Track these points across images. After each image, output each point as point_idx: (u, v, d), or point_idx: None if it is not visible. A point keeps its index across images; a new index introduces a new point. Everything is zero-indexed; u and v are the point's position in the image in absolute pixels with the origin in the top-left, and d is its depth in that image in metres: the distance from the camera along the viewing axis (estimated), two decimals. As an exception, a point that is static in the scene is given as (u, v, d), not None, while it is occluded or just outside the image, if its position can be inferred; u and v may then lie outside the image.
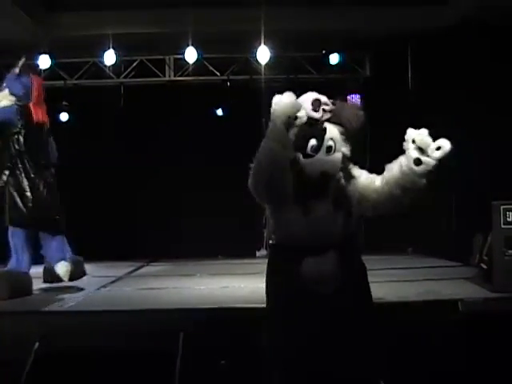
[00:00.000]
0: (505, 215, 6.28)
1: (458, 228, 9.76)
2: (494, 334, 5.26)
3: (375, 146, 11.27)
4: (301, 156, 3.69)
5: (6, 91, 7.20)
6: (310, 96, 3.77)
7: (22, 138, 7.11)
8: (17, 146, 7.11)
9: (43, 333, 5.39)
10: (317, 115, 3.67)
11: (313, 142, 3.65)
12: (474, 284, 6.96)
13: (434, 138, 3.81)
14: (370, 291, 3.91)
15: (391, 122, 10.72)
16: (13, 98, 7.18)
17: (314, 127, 3.68)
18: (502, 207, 6.31)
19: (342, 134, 3.73)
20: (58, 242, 7.33)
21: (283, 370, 3.74)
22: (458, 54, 9.48)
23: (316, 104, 3.68)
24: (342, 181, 3.76)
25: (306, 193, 3.68)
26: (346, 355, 3.63)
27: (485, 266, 7.14)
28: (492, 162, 8.94)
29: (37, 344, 5.25)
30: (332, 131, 3.71)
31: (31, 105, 7.23)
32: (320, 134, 3.67)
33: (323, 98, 3.77)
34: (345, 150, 3.75)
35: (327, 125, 3.71)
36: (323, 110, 3.72)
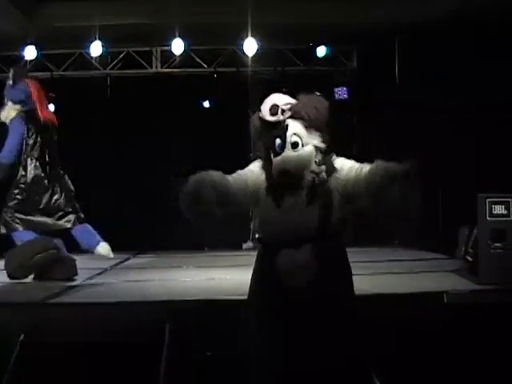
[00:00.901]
0: (490, 208, 6.31)
1: (444, 221, 9.80)
2: (479, 325, 5.28)
3: (362, 138, 11.32)
4: (272, 154, 3.77)
5: (10, 103, 7.38)
6: (271, 99, 3.83)
7: (31, 141, 7.29)
8: (29, 150, 7.29)
9: (29, 325, 5.38)
10: (272, 119, 3.76)
11: (278, 140, 3.74)
12: (459, 276, 6.99)
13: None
14: (350, 289, 3.87)
15: (378, 114, 10.76)
16: (17, 107, 7.36)
17: (276, 126, 3.75)
18: (487, 200, 6.33)
19: (307, 127, 3.76)
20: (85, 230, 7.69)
21: (261, 365, 3.75)
22: (446, 47, 9.50)
23: (274, 110, 3.76)
24: (323, 174, 3.76)
25: (278, 189, 3.75)
26: (322, 351, 3.64)
27: (470, 259, 7.17)
28: (478, 155, 8.97)
29: (22, 336, 5.24)
30: (295, 127, 3.76)
31: (37, 107, 7.42)
32: (282, 132, 3.74)
33: (283, 100, 3.82)
34: (316, 142, 3.77)
35: (290, 121, 3.76)
36: (282, 110, 3.77)
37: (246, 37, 10.50)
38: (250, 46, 10.63)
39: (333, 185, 3.77)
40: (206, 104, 12.10)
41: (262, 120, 3.80)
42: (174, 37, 10.71)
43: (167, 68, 12.08)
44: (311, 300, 3.65)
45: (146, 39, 11.58)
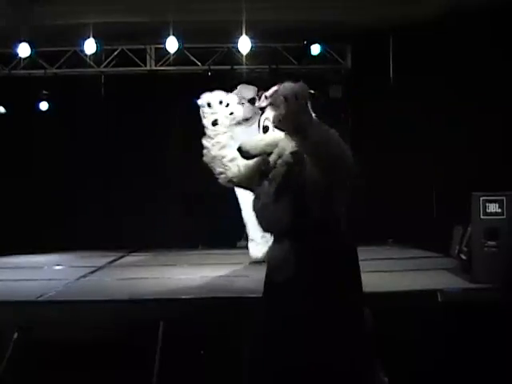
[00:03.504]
0: (484, 206, 6.33)
1: (439, 219, 9.81)
2: (473, 323, 5.29)
3: (356, 136, 11.31)
4: None
5: None
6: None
7: None
8: None
9: (22, 323, 5.37)
10: (256, 104, 3.95)
11: None
12: (453, 274, 7.00)
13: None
14: (338, 284, 3.63)
15: (372, 112, 10.76)
16: None
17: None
18: (481, 198, 6.35)
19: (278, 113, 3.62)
20: None
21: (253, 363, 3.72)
22: (440, 45, 9.51)
23: (259, 96, 3.94)
24: (282, 166, 3.66)
25: (258, 177, 3.75)
26: (310, 347, 3.58)
27: (464, 257, 7.18)
28: (472, 154, 8.98)
29: (16, 334, 5.23)
30: (268, 112, 3.87)
31: None
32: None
33: (272, 88, 3.84)
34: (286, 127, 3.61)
35: (268, 108, 3.85)
36: (265, 97, 3.89)
37: (240, 35, 10.48)
38: (244, 44, 10.60)
39: (302, 176, 3.57)
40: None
41: None
42: (169, 35, 10.68)
43: (161, 66, 12.05)
44: (290, 295, 3.58)
45: (140, 37, 11.55)
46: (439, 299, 5.59)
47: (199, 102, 4.12)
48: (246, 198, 8.80)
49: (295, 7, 9.90)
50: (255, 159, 3.76)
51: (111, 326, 5.42)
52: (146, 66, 12.10)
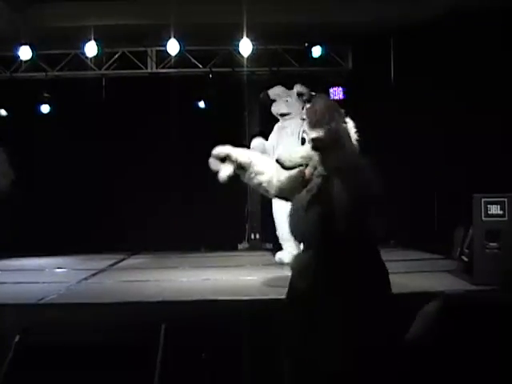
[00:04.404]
0: (486, 208, 6.32)
1: (440, 221, 9.81)
2: (474, 325, 5.28)
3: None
4: None
5: None
6: None
7: None
8: None
9: (24, 326, 5.37)
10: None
11: None
12: (454, 276, 7.00)
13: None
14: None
15: (373, 115, 10.76)
16: None
17: None
18: (483, 200, 6.35)
19: (308, 126, 3.86)
20: None
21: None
22: (441, 47, 9.51)
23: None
24: (318, 177, 3.73)
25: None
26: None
27: (466, 259, 7.18)
28: (474, 155, 8.98)
29: (17, 337, 5.23)
30: (305, 126, 3.91)
31: None
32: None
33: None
34: (313, 136, 3.78)
35: (305, 122, 3.94)
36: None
37: (242, 37, 10.48)
38: (246, 47, 10.59)
39: (327, 187, 3.70)
40: (202, 104, 12.07)
41: None
42: (170, 37, 10.68)
43: (162, 68, 12.06)
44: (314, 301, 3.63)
45: (142, 40, 11.56)
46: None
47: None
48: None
49: (296, 9, 9.91)
50: (294, 171, 3.85)
51: (113, 329, 5.42)
52: (147, 68, 12.10)
